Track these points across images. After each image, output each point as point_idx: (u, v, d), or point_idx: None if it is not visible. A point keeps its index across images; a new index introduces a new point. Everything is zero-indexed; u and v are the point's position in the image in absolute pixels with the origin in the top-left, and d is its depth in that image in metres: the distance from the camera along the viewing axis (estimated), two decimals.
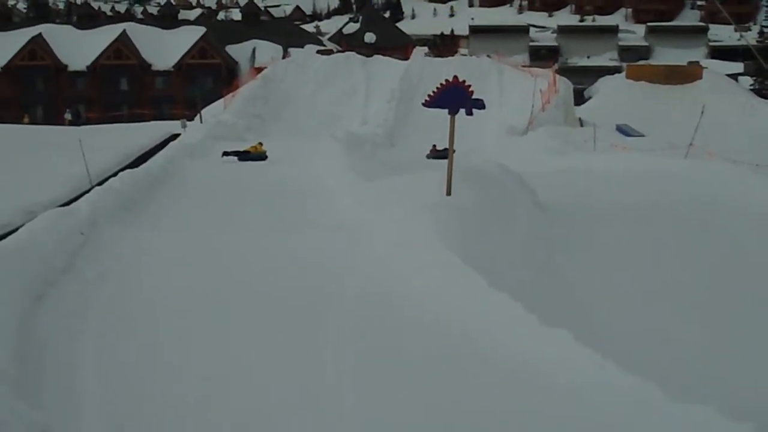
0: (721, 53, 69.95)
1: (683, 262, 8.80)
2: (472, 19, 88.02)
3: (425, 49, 54.32)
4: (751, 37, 62.29)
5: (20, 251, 7.76)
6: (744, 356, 6.25)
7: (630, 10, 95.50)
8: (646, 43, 75.68)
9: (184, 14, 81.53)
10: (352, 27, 75.78)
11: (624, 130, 29.88)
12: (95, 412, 5.22)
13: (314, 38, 68.12)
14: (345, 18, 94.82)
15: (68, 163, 19.08)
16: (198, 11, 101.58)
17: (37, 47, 56.24)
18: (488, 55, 40.45)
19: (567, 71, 50.24)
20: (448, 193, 10.19)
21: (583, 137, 23.23)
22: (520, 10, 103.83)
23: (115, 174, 14.63)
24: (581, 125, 31.48)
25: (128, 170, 14.78)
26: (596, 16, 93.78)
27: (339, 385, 5.57)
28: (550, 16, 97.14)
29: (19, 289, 6.85)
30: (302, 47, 52.97)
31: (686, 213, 10.72)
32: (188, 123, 29.62)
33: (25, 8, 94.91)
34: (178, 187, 15.06)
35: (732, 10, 71.80)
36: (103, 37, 57.92)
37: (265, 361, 6.02)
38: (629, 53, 71.88)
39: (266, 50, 56.64)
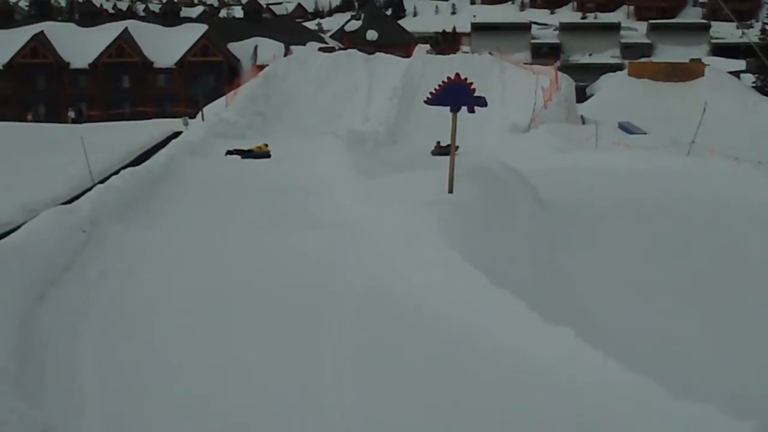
0: (723, 50, 69.86)
1: (685, 259, 8.77)
2: (474, 16, 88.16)
3: (427, 46, 54.07)
4: (753, 35, 62.25)
5: (21, 249, 7.77)
6: (746, 354, 6.24)
7: (632, 7, 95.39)
8: (648, 41, 75.63)
9: (186, 12, 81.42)
10: (354, 24, 75.85)
11: (626, 128, 29.85)
12: (96, 412, 5.23)
13: (316, 36, 68.17)
14: (347, 15, 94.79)
15: (70, 161, 19.08)
16: (200, 9, 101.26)
17: (39, 45, 56.25)
18: (490, 53, 40.31)
19: (569, 68, 50.04)
20: (450, 191, 10.18)
21: (585, 135, 23.23)
22: (522, 7, 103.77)
23: (116, 172, 14.60)
24: (583, 123, 31.38)
25: (130, 168, 14.79)
26: (598, 14, 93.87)
27: (339, 383, 5.57)
28: (552, 13, 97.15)
29: (20, 287, 6.85)
30: (304, 45, 53.08)
31: (688, 210, 10.69)
32: (190, 121, 29.59)
33: (27, 6, 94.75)
34: (180, 185, 15.04)
35: (734, 7, 71.36)
36: (105, 34, 57.95)
37: (266, 359, 6.02)
38: (631, 50, 71.90)
39: (268, 48, 56.50)
